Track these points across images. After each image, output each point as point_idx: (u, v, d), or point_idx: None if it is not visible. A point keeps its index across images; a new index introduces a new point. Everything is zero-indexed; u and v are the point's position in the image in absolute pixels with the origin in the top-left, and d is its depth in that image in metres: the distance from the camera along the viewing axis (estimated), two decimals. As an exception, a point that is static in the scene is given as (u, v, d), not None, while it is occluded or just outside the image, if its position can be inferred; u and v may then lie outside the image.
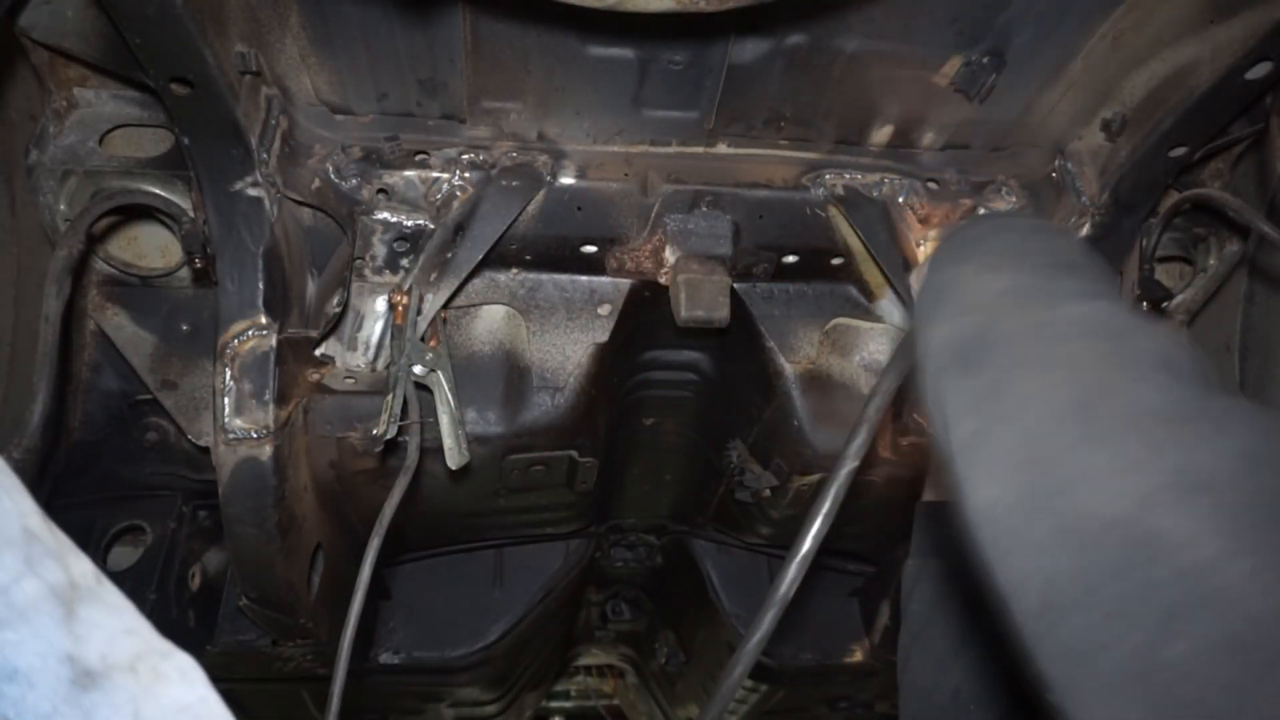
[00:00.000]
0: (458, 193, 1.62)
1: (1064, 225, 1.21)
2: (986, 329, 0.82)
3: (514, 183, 1.61)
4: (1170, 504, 0.63)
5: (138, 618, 0.70)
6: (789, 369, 1.85)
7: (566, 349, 1.81)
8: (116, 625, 0.68)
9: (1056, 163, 1.78)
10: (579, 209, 1.67)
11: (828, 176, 1.74)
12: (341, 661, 1.39)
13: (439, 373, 1.58)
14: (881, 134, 1.72)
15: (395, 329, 1.57)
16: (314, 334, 1.56)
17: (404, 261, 1.64)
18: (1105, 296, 0.83)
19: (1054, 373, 0.75)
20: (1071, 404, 0.72)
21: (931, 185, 1.78)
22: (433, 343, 1.60)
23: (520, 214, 1.63)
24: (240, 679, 2.17)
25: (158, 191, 1.61)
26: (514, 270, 1.77)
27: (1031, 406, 0.74)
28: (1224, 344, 2.03)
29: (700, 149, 1.70)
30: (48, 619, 0.64)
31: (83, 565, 0.69)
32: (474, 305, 1.78)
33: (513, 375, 1.80)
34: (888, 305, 1.91)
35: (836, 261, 1.82)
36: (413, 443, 1.53)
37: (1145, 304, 1.89)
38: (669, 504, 2.61)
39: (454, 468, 1.57)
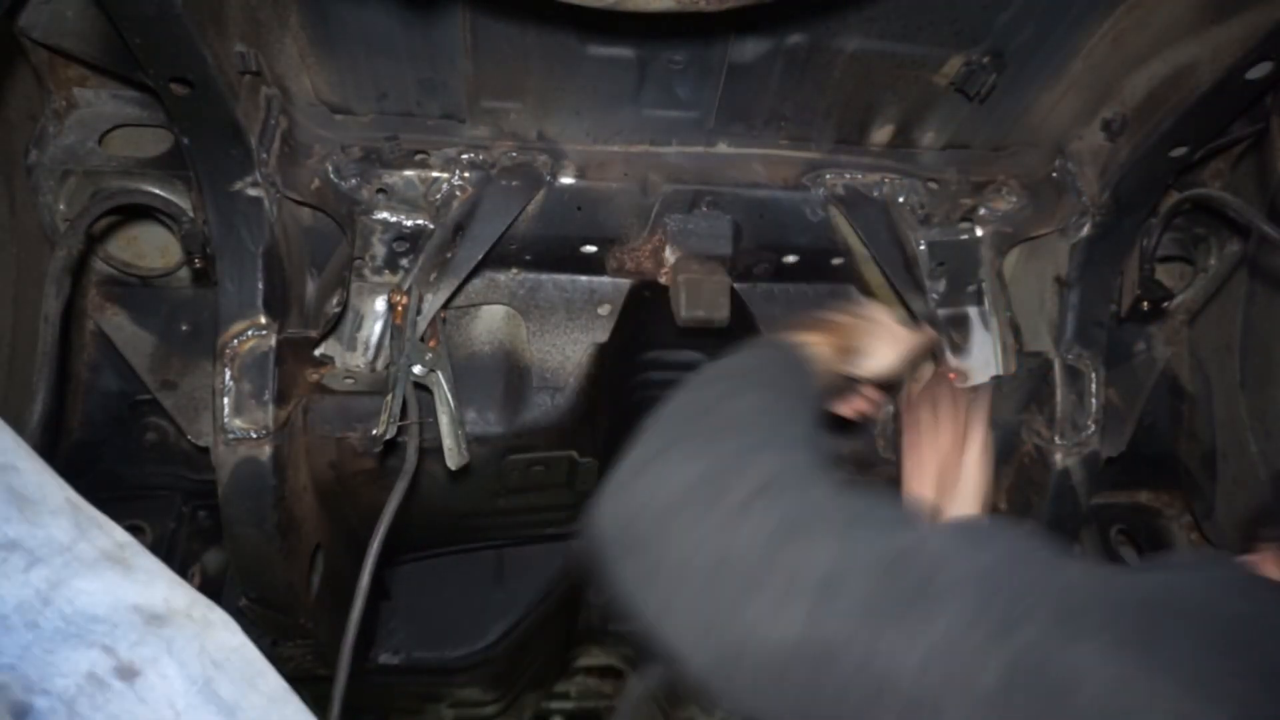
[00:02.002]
0: (457, 192, 1.62)
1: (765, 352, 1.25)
2: (618, 509, 0.95)
3: (514, 183, 1.61)
4: (823, 616, 0.78)
5: (176, 575, 0.77)
6: (789, 369, 1.85)
7: (566, 349, 1.81)
8: (168, 578, 0.75)
9: (1057, 163, 1.78)
10: (579, 209, 1.67)
11: (828, 176, 1.74)
12: (343, 663, 1.39)
13: (438, 373, 1.57)
14: (881, 134, 1.72)
15: (395, 329, 1.57)
16: (314, 334, 1.56)
17: (404, 261, 1.64)
18: (700, 454, 0.94)
19: (688, 538, 0.87)
20: (713, 566, 0.84)
21: (931, 185, 1.78)
22: (432, 343, 1.60)
23: (520, 214, 1.63)
24: (240, 679, 2.17)
25: (157, 191, 1.60)
26: (514, 270, 1.77)
27: (688, 577, 0.86)
28: (1224, 344, 2.03)
29: (700, 149, 1.69)
30: (112, 573, 0.70)
31: (120, 532, 0.76)
32: (474, 305, 1.78)
33: (513, 375, 1.80)
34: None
35: (836, 261, 1.82)
36: (411, 445, 1.53)
37: (1146, 304, 1.89)
38: (669, 504, 2.61)
39: (454, 468, 1.57)
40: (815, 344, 1.28)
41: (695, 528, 0.87)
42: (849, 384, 1.42)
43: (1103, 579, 0.78)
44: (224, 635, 0.74)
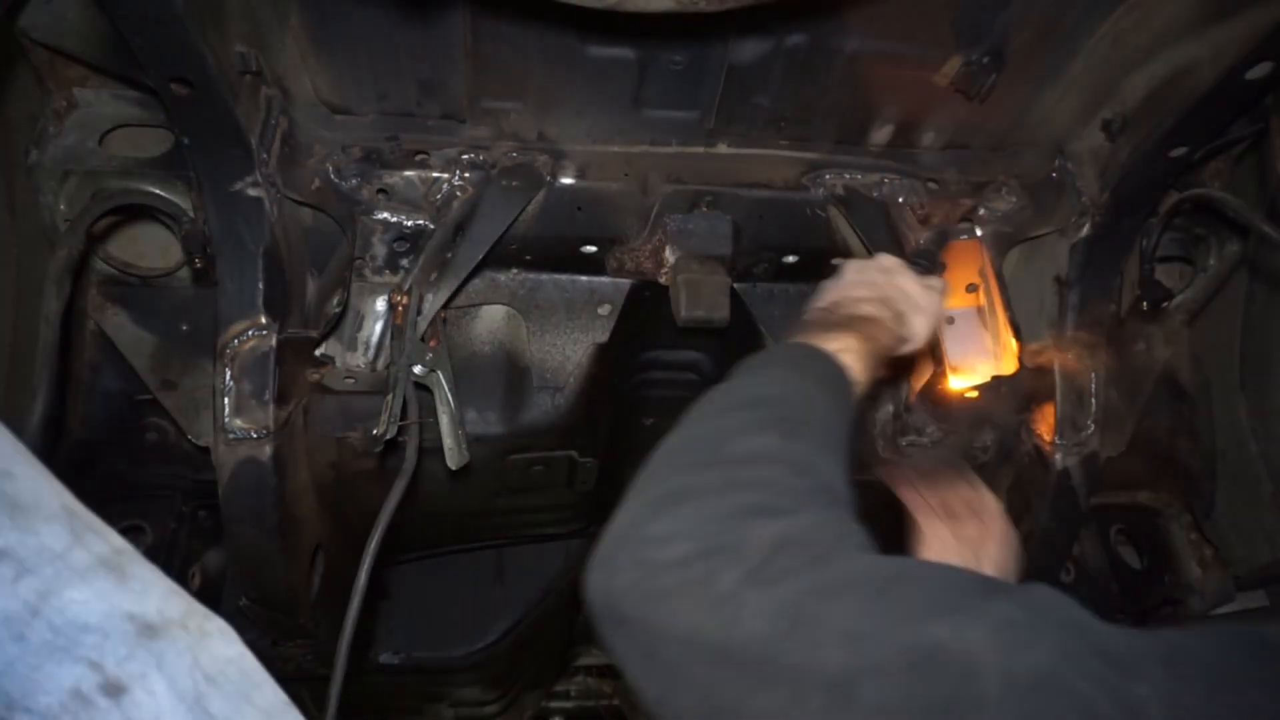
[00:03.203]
0: (458, 193, 1.62)
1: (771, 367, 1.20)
2: (607, 583, 0.86)
3: (514, 183, 1.61)
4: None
5: (174, 583, 0.75)
6: (789, 369, 1.85)
7: (566, 349, 1.81)
8: (164, 586, 0.73)
9: (1057, 163, 1.78)
10: (579, 209, 1.67)
11: (828, 176, 1.74)
12: (340, 662, 1.39)
13: (439, 373, 1.58)
14: (881, 134, 1.72)
15: (395, 329, 1.57)
16: (314, 334, 1.56)
17: (404, 261, 1.64)
18: (694, 520, 0.86)
19: (681, 626, 0.79)
20: (712, 658, 0.77)
21: (931, 185, 1.78)
22: (433, 343, 1.60)
23: (520, 214, 1.63)
24: (240, 679, 2.16)
25: (158, 191, 1.60)
26: (514, 270, 1.77)
27: (685, 666, 0.78)
28: (1224, 344, 2.03)
29: (700, 149, 1.69)
30: (105, 582, 0.69)
31: (117, 538, 0.74)
32: (474, 305, 1.78)
33: (513, 375, 1.80)
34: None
35: (836, 261, 1.82)
36: (411, 445, 1.53)
37: (1146, 304, 1.89)
38: (669, 504, 2.61)
39: (454, 468, 1.57)
40: (846, 350, 1.16)
41: (688, 615, 0.79)
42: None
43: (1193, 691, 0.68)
44: (220, 646, 0.73)
